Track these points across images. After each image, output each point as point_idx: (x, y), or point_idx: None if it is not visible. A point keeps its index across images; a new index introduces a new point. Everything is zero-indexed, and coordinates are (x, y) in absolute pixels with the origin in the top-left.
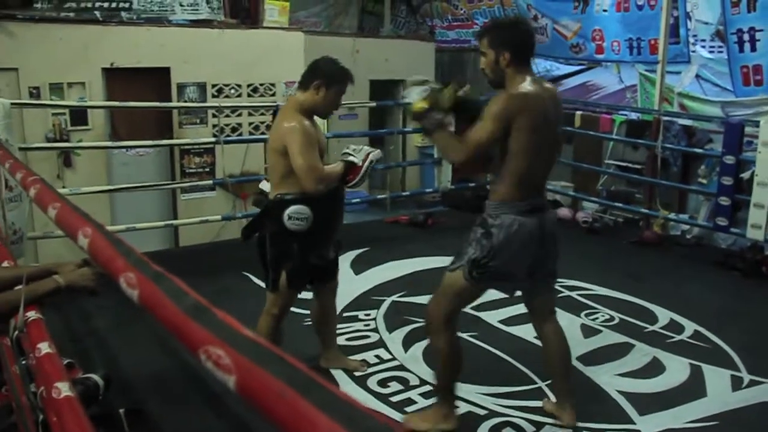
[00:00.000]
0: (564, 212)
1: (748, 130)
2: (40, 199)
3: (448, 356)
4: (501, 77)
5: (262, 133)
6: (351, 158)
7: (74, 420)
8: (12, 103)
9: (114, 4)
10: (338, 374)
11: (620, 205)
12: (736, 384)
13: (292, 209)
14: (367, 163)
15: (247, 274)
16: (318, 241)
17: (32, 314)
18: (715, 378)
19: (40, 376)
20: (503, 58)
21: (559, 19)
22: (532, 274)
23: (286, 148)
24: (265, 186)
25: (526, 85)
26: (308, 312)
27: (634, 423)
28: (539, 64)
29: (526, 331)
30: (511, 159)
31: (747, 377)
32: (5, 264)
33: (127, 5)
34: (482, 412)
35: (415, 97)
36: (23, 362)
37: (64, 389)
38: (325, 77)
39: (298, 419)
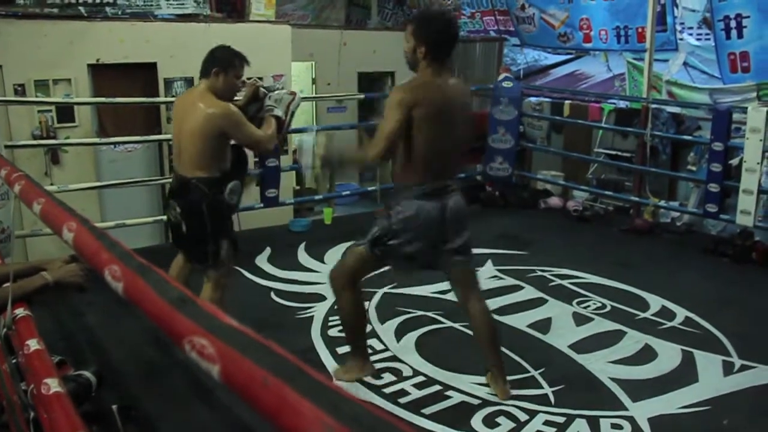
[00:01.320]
0: (554, 201)
1: (736, 116)
2: (25, 195)
3: (349, 314)
4: (415, 65)
5: None
6: (276, 112)
7: (64, 416)
8: None
9: (99, 0)
10: (332, 366)
11: (610, 193)
12: (728, 369)
13: (232, 185)
14: (289, 116)
15: (239, 269)
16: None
17: (21, 311)
18: (707, 363)
19: (29, 374)
20: (419, 51)
21: (546, 8)
22: (437, 253)
23: (218, 131)
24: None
25: (427, 78)
26: (297, 305)
27: (627, 409)
28: (527, 54)
29: (518, 321)
30: (411, 146)
31: (738, 362)
32: None
33: (111, 0)
34: (476, 401)
35: (310, 162)
36: (13, 360)
37: (53, 385)
38: (221, 63)
39: (282, 407)
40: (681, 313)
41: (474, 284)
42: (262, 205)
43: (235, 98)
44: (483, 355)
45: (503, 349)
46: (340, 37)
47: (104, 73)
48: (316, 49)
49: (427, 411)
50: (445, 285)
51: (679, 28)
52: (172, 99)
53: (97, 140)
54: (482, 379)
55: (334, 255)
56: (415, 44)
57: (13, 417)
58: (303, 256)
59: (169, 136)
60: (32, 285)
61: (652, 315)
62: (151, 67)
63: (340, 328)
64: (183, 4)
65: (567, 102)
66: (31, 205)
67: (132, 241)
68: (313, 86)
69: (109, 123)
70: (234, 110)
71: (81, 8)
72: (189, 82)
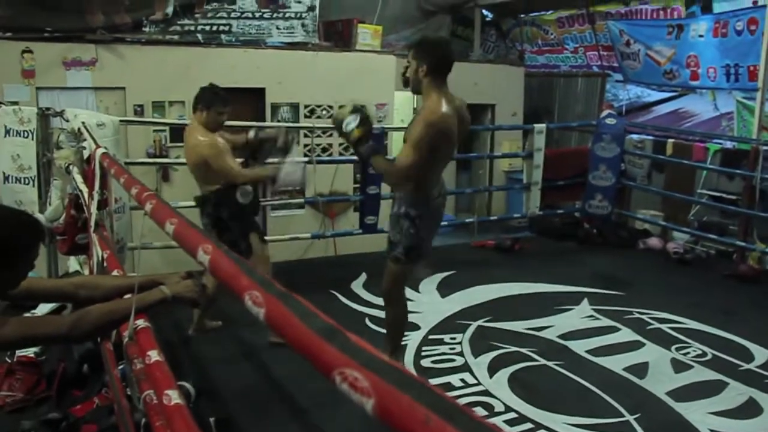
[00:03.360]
0: (654, 242)
1: None
2: (156, 214)
3: (403, 319)
4: (418, 85)
5: (352, 154)
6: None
7: (185, 426)
8: (120, 120)
9: (215, 27)
10: None
11: (713, 236)
12: None
13: (241, 189)
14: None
15: (335, 293)
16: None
17: (141, 322)
18: None
19: (148, 382)
20: (421, 70)
21: (652, 44)
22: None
23: (202, 159)
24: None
25: (442, 103)
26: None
27: None
28: (630, 90)
29: (614, 363)
30: (428, 165)
31: None
32: (115, 273)
33: (227, 28)
34: None
35: (352, 125)
36: (125, 367)
37: (174, 396)
38: (204, 102)
39: None
40: None
41: None
42: (360, 231)
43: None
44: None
45: (597, 390)
46: None
47: None
48: None
49: None
50: (539, 322)
51: None
52: (279, 124)
53: None
54: (576, 420)
55: (429, 285)
56: (417, 64)
57: (122, 419)
58: None
59: (272, 159)
60: (152, 298)
61: (757, 367)
62: (259, 92)
63: (434, 359)
64: (293, 32)
65: (670, 141)
66: (163, 224)
67: None
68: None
69: None
70: (215, 143)
71: (198, 35)
72: (295, 107)
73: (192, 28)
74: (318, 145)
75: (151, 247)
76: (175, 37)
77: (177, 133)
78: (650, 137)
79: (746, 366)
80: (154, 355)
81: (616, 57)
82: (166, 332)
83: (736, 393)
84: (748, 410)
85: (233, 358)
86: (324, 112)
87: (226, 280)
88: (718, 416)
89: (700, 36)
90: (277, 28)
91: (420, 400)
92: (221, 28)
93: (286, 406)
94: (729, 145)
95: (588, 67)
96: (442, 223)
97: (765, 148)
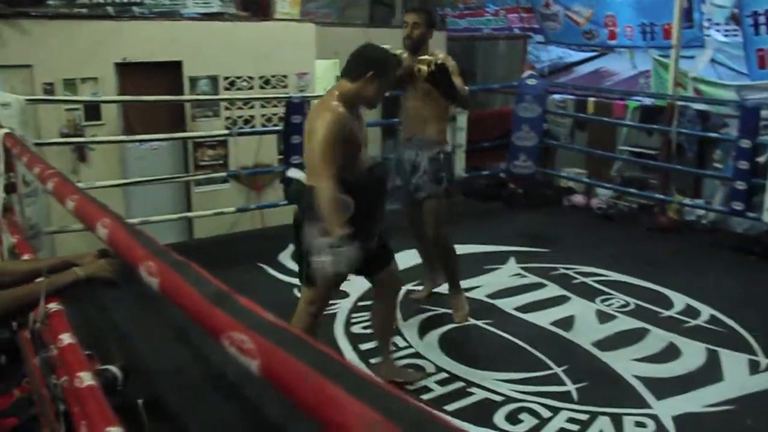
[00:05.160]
0: (578, 199)
1: (764, 113)
2: (58, 192)
3: (454, 253)
4: (423, 44)
5: (275, 125)
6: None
7: (97, 408)
8: (27, 100)
9: (126, 0)
10: (355, 363)
11: (635, 191)
12: (754, 368)
13: None
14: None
15: (262, 265)
16: (357, 230)
17: (53, 306)
18: (732, 362)
19: (62, 367)
20: (429, 33)
21: (571, 5)
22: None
23: None
24: (293, 173)
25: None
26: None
27: (651, 407)
28: (551, 51)
29: (541, 318)
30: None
31: (765, 361)
32: (25, 257)
33: (138, 0)
34: (499, 398)
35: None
36: (43, 354)
37: (86, 378)
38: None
39: (325, 402)
40: (706, 311)
41: None
42: (285, 202)
43: None
44: None
45: (526, 345)
46: (364, 34)
47: (130, 71)
48: (341, 47)
49: (449, 408)
50: (468, 282)
51: (706, 24)
52: (197, 97)
53: (123, 138)
54: (506, 376)
55: None
56: (428, 29)
57: (44, 410)
58: None
59: (194, 134)
60: (64, 280)
61: (677, 313)
62: (176, 66)
63: (363, 324)
64: (208, 3)
65: (591, 99)
66: (64, 201)
67: (157, 238)
68: None
69: (135, 121)
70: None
71: (109, 8)
72: (214, 80)
73: (101, 0)
74: (240, 117)
75: (69, 230)
76: (84, 10)
77: (91, 110)
78: (572, 97)
79: (666, 313)
80: (66, 339)
81: (537, 18)
82: (92, 315)
83: (657, 339)
84: (668, 355)
85: (164, 338)
86: (244, 83)
87: (124, 253)
88: (640, 362)
89: None
90: None
91: (303, 359)
92: (133, 0)
93: (218, 385)
94: (647, 102)
95: (509, 29)
96: None
97: (680, 103)
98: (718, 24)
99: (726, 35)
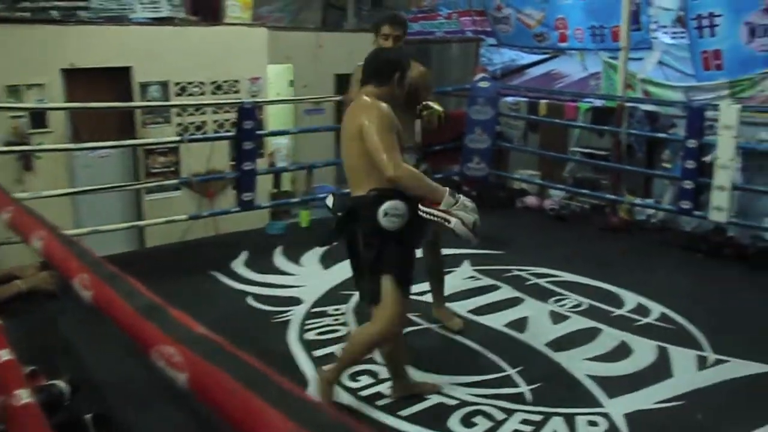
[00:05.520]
0: (531, 200)
1: (709, 114)
2: None
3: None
4: None
5: (227, 131)
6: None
7: (33, 427)
8: None
9: (71, 3)
10: (308, 369)
11: (587, 191)
12: (702, 363)
13: (387, 205)
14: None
15: (215, 273)
16: (415, 238)
17: None
18: (682, 358)
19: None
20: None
21: (522, 8)
22: None
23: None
24: (330, 202)
25: None
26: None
27: (603, 406)
28: (504, 54)
29: (495, 320)
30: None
31: (712, 356)
32: None
33: (84, 4)
34: (453, 402)
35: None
36: None
37: (23, 396)
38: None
39: (250, 415)
40: (656, 309)
41: None
42: (238, 208)
43: None
44: None
45: (480, 348)
46: (317, 39)
47: (78, 77)
48: (293, 52)
49: (404, 413)
50: (422, 286)
51: (653, 26)
52: (147, 103)
53: (70, 146)
54: (460, 379)
55: (311, 258)
56: (403, 37)
57: None
58: (280, 260)
59: (143, 141)
60: (4, 293)
61: (628, 312)
62: (125, 72)
63: (318, 331)
64: (158, 7)
65: (543, 101)
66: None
67: (108, 248)
68: (290, 89)
69: (83, 128)
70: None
71: (54, 12)
72: (164, 86)
73: (45, 4)
74: (191, 123)
75: (14, 242)
76: (27, 14)
77: (37, 118)
78: (524, 99)
79: (618, 312)
80: (3, 355)
81: (489, 22)
82: (37, 329)
83: (609, 338)
84: (619, 353)
85: (113, 350)
86: (195, 89)
87: (58, 265)
88: (593, 361)
89: None
90: (141, 3)
91: (230, 371)
92: (79, 4)
93: (169, 396)
94: (598, 103)
95: (462, 32)
96: (323, 195)
97: (629, 104)
98: (665, 27)
99: (673, 38)
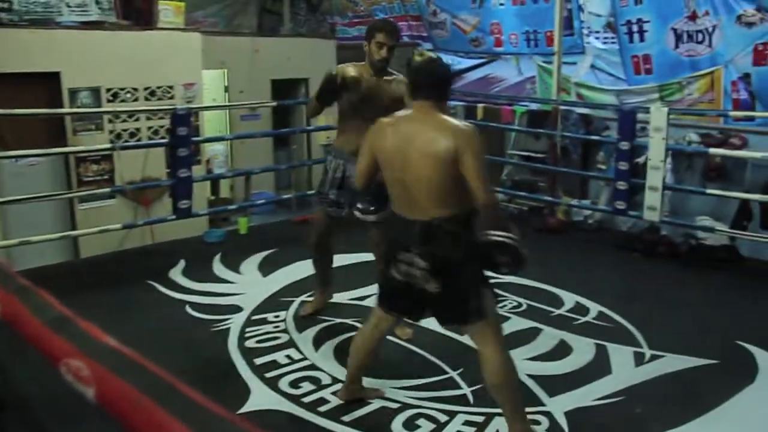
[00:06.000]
0: None
1: (640, 116)
2: None
3: None
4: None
5: (162, 138)
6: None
7: None
8: None
9: None
10: (250, 378)
11: (524, 194)
12: (639, 359)
13: (504, 235)
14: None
15: (153, 283)
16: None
17: None
18: (619, 355)
19: None
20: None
21: (457, 13)
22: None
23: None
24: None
25: None
26: (213, 317)
27: (544, 405)
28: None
29: (435, 323)
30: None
31: (648, 352)
32: None
33: (6, 5)
34: (395, 405)
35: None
36: None
37: None
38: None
39: (154, 428)
40: (594, 308)
41: None
42: (174, 216)
43: None
44: None
45: (421, 351)
46: (252, 44)
47: (2, 83)
48: (228, 57)
49: (347, 418)
50: (362, 291)
51: (585, 32)
52: (77, 110)
53: None
54: (403, 383)
55: (251, 265)
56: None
57: None
58: (218, 268)
59: (74, 149)
60: None
61: (567, 311)
62: (54, 77)
63: (258, 338)
64: (86, 11)
65: (480, 105)
66: None
67: (40, 259)
68: (226, 94)
69: (9, 136)
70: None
71: None
72: (95, 92)
73: None
74: (125, 130)
75: None
76: None
77: None
78: (462, 103)
79: (557, 312)
80: None
81: (425, 27)
82: None
83: (549, 338)
84: (559, 352)
85: (41, 364)
86: (128, 95)
87: None
88: (534, 361)
89: (501, 4)
90: (68, 6)
91: (135, 383)
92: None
93: (101, 410)
94: (534, 106)
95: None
96: (260, 201)
97: (564, 108)
98: (597, 32)
99: (604, 43)
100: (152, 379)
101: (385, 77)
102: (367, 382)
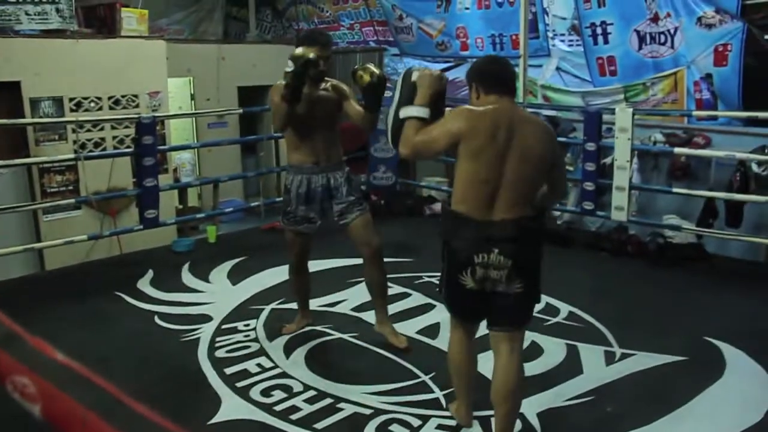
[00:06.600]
0: (439, 207)
1: (606, 117)
2: None
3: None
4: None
5: (127, 147)
6: None
7: None
8: None
9: None
10: (220, 388)
11: None
12: (609, 358)
13: None
14: None
15: (121, 294)
16: None
17: None
18: (590, 355)
19: None
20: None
21: (423, 18)
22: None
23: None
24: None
25: None
26: (183, 327)
27: None
28: (408, 63)
29: (407, 327)
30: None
31: (619, 351)
32: None
33: None
34: (368, 411)
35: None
36: None
37: None
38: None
39: None
40: (564, 308)
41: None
42: (141, 226)
43: None
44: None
45: (392, 356)
46: (218, 51)
47: None
48: (194, 65)
49: (319, 425)
50: (332, 297)
51: (550, 34)
52: (39, 120)
53: None
54: (374, 388)
55: (220, 274)
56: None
57: None
58: (187, 277)
59: (37, 159)
60: None
61: (537, 312)
62: (14, 87)
63: (229, 348)
64: (47, 19)
65: (448, 109)
66: None
67: (3, 272)
68: (192, 102)
69: None
70: None
71: None
72: (58, 101)
73: None
74: (89, 140)
75: None
76: None
77: None
78: None
79: None
80: None
81: (391, 32)
82: None
83: None
84: (530, 353)
85: None
86: (92, 104)
87: None
88: None
89: (466, 8)
90: (27, 14)
91: (80, 398)
92: None
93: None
94: None
95: (365, 42)
96: (228, 209)
97: (530, 110)
98: (562, 34)
99: (569, 45)
100: (99, 393)
101: (322, 86)
102: (338, 387)
